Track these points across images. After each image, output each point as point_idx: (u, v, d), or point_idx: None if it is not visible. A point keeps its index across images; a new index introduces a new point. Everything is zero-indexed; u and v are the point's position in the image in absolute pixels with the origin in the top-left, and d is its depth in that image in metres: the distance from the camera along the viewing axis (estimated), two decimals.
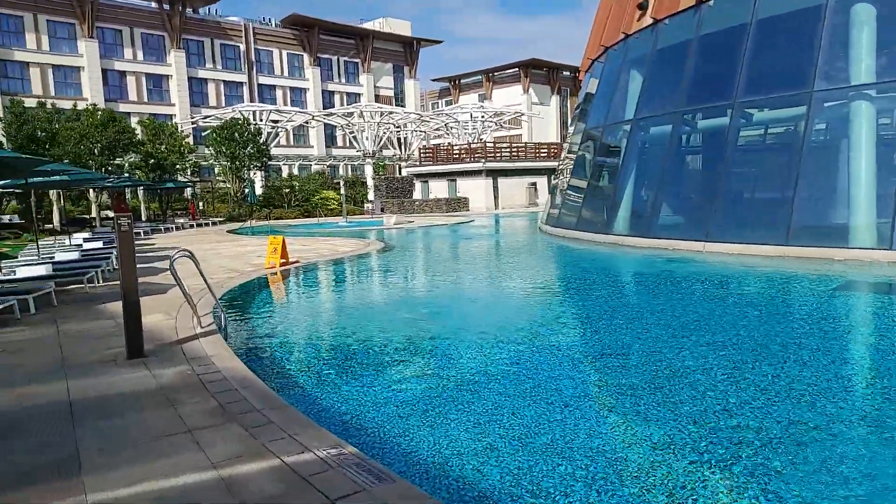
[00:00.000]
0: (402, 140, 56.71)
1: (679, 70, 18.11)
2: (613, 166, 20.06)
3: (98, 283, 13.70)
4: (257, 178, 45.89)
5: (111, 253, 15.49)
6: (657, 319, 9.48)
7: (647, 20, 19.51)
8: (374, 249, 19.74)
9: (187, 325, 9.38)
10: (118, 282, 7.82)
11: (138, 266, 8.20)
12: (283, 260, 15.98)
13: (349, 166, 69.39)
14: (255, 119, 48.56)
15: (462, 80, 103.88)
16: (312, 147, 70.91)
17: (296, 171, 59.56)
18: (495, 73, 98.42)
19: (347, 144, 76.98)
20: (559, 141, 66.89)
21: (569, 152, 25.18)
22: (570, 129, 28.46)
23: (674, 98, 18.06)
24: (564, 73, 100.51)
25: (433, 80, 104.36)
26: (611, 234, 18.42)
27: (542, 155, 47.94)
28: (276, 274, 15.03)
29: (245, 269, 15.79)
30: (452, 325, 9.82)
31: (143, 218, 40.22)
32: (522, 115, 63.68)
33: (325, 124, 70.04)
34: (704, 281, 12.89)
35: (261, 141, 42.36)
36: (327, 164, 67.36)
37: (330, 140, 74.60)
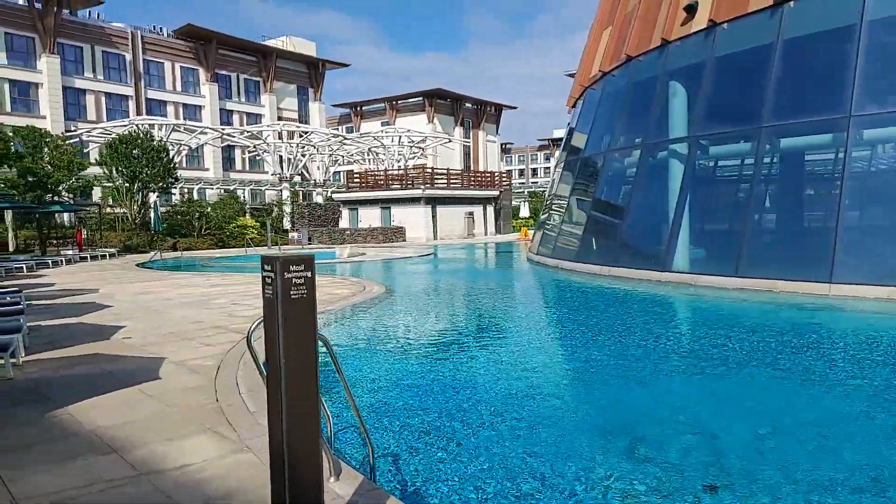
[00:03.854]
0: (321, 164, 51.83)
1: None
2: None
3: (20, 357, 8.50)
4: (158, 201, 39.18)
5: (20, 319, 9.50)
6: None
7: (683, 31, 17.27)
8: (380, 293, 15.36)
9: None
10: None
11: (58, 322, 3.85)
12: None
13: (255, 192, 63.00)
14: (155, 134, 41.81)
15: (364, 107, 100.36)
16: (208, 169, 63.80)
17: (196, 196, 52.63)
18: (399, 101, 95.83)
19: (247, 168, 70.39)
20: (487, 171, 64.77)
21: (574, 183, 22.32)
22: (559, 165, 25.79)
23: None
24: (467, 104, 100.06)
25: (334, 106, 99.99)
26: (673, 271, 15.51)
27: (483, 183, 45.23)
28: None
29: (237, 326, 11.06)
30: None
31: (11, 248, 32.42)
32: (449, 140, 60.88)
33: (224, 146, 63.54)
34: None
35: (166, 159, 36.09)
36: (231, 187, 60.65)
37: (228, 163, 67.72)
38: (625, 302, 13.90)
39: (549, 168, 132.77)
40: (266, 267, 3.11)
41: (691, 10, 16.84)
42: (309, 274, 3.07)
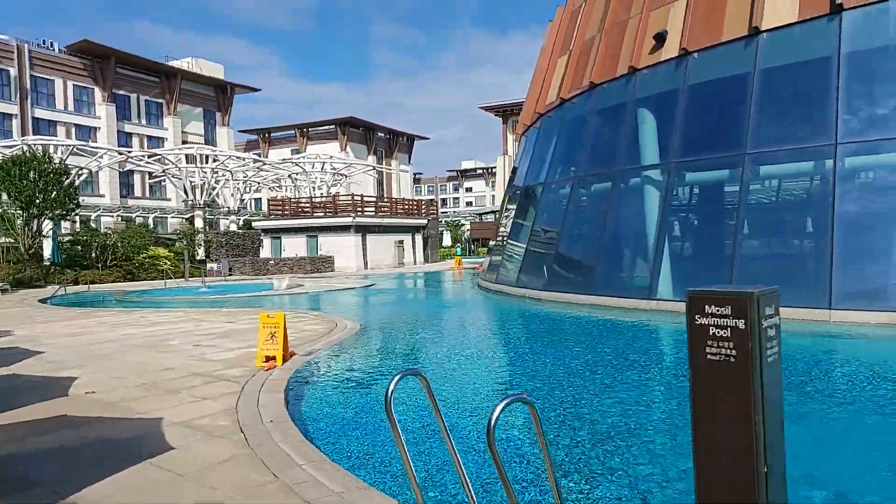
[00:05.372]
0: (235, 191, 48.93)
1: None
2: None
3: None
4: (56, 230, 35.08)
5: None
6: None
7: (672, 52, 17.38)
8: (356, 329, 13.80)
9: None
10: None
11: None
12: (282, 352, 9.77)
13: (158, 220, 58.52)
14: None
15: (272, 134, 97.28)
16: (103, 196, 58.77)
17: (93, 224, 48.01)
18: (310, 129, 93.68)
19: (147, 194, 65.54)
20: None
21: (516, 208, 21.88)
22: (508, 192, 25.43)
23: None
24: (380, 133, 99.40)
25: (240, 132, 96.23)
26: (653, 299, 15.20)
27: (411, 212, 44.30)
28: (305, 381, 8.83)
29: (223, 373, 9.35)
30: None
31: None
32: (373, 168, 59.59)
33: (120, 170, 58.85)
34: None
35: (67, 182, 32.46)
36: (133, 215, 56.01)
37: (126, 189, 62.76)
38: (621, 332, 13.32)
39: (457, 198, 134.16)
40: (715, 309, 1.98)
41: (661, 38, 16.97)
42: (777, 320, 1.98)
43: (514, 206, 23.41)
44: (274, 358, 9.63)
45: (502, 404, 3.20)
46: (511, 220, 23.39)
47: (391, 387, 3.72)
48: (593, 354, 11.12)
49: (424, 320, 17.10)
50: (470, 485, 4.16)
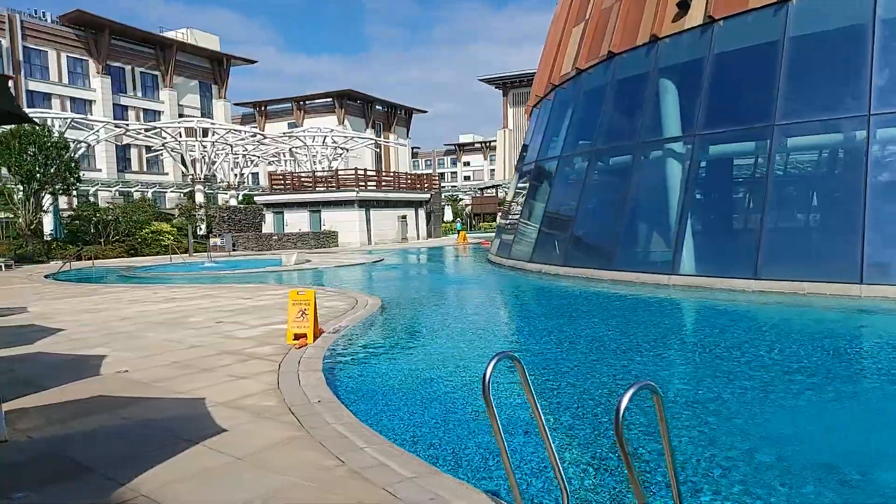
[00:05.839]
0: (236, 165, 48.28)
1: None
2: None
3: None
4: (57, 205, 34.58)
5: None
6: None
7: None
8: (378, 304, 13.50)
9: None
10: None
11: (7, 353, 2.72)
12: (313, 330, 9.52)
13: (157, 195, 57.84)
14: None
15: (269, 108, 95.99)
16: (100, 170, 57.96)
17: (92, 199, 47.47)
18: (307, 102, 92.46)
19: (144, 168, 64.76)
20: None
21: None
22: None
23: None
24: (378, 107, 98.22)
25: (236, 105, 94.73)
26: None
27: (414, 186, 43.84)
28: (340, 359, 8.57)
29: (253, 350, 9.11)
30: None
31: None
32: (374, 142, 58.85)
33: (118, 144, 58.04)
34: None
35: (67, 156, 31.87)
36: (132, 189, 55.33)
37: (123, 163, 61.98)
38: (649, 308, 13.10)
39: (455, 172, 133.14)
40: None
41: (685, 6, 16.48)
42: None
43: (528, 181, 23.04)
44: (304, 335, 9.38)
45: (630, 392, 2.94)
46: (524, 195, 23.04)
47: (488, 371, 3.45)
48: (656, 331, 10.78)
49: (446, 295, 16.87)
50: (563, 474, 3.93)
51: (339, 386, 7.46)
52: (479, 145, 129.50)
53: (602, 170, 18.76)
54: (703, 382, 7.52)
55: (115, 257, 32.70)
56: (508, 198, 28.09)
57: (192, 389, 7.06)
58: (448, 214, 57.68)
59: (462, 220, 65.22)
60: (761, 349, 9.02)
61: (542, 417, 3.68)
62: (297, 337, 9.41)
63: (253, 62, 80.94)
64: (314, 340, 9.42)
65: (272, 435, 5.50)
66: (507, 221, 25.51)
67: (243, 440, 5.39)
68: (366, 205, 39.46)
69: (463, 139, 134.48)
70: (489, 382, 3.44)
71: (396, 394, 7.37)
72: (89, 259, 30.78)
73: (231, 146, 45.07)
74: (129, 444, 5.36)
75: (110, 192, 53.74)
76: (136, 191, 55.48)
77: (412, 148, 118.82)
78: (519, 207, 23.42)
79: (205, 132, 44.15)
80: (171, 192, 59.19)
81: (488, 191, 75.41)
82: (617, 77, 18.65)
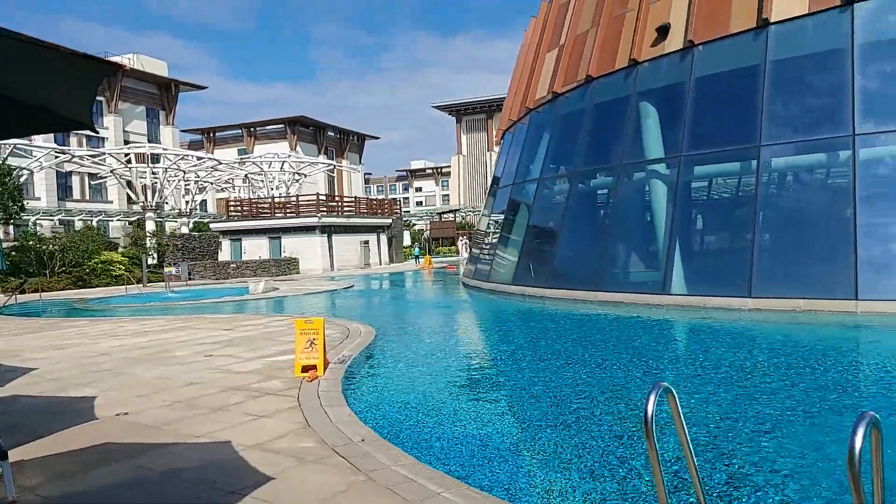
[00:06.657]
0: (189, 192, 46.68)
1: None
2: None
3: None
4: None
5: None
6: None
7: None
8: (372, 332, 12.82)
9: None
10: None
11: None
12: (322, 361, 8.87)
13: (101, 224, 55.24)
14: None
15: (217, 134, 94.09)
16: (39, 199, 55.09)
17: (32, 228, 44.87)
18: (258, 128, 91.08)
19: (87, 197, 62.01)
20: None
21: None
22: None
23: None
24: (330, 133, 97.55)
25: (183, 131, 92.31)
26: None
27: (375, 211, 43.28)
28: (360, 391, 7.94)
29: (261, 386, 8.39)
30: None
31: None
32: (332, 166, 58.05)
33: (58, 171, 55.42)
34: None
35: (11, 184, 30.04)
36: (74, 218, 52.73)
37: (64, 191, 59.17)
38: (652, 330, 12.94)
39: (407, 198, 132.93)
40: None
41: (664, 31, 16.77)
42: None
43: (504, 204, 22.90)
44: (314, 367, 8.74)
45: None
46: (502, 218, 22.87)
47: (650, 405, 3.05)
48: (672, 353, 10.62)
49: (437, 321, 16.36)
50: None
51: (372, 421, 6.88)
52: (430, 171, 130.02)
53: (585, 191, 18.79)
54: (776, 410, 7.27)
55: (63, 289, 30.80)
56: (481, 222, 27.90)
57: (209, 432, 6.35)
58: (406, 239, 57.18)
59: (420, 244, 64.85)
60: (799, 370, 8.89)
61: (692, 452, 3.29)
62: (305, 369, 8.75)
63: (202, 88, 79.25)
64: (324, 372, 8.78)
65: (328, 481, 4.90)
66: (485, 244, 25.28)
67: (297, 488, 4.78)
68: (328, 230, 38.62)
69: (415, 165, 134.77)
70: (652, 416, 3.03)
71: (442, 427, 6.84)
72: (35, 292, 28.87)
73: (184, 172, 43.54)
74: (161, 500, 4.66)
75: (52, 220, 51.11)
76: (80, 219, 52.98)
77: (364, 174, 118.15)
78: (496, 230, 23.23)
79: (156, 158, 42.55)
80: (117, 220, 56.83)
81: (447, 215, 75.37)
82: (595, 101, 18.79)
